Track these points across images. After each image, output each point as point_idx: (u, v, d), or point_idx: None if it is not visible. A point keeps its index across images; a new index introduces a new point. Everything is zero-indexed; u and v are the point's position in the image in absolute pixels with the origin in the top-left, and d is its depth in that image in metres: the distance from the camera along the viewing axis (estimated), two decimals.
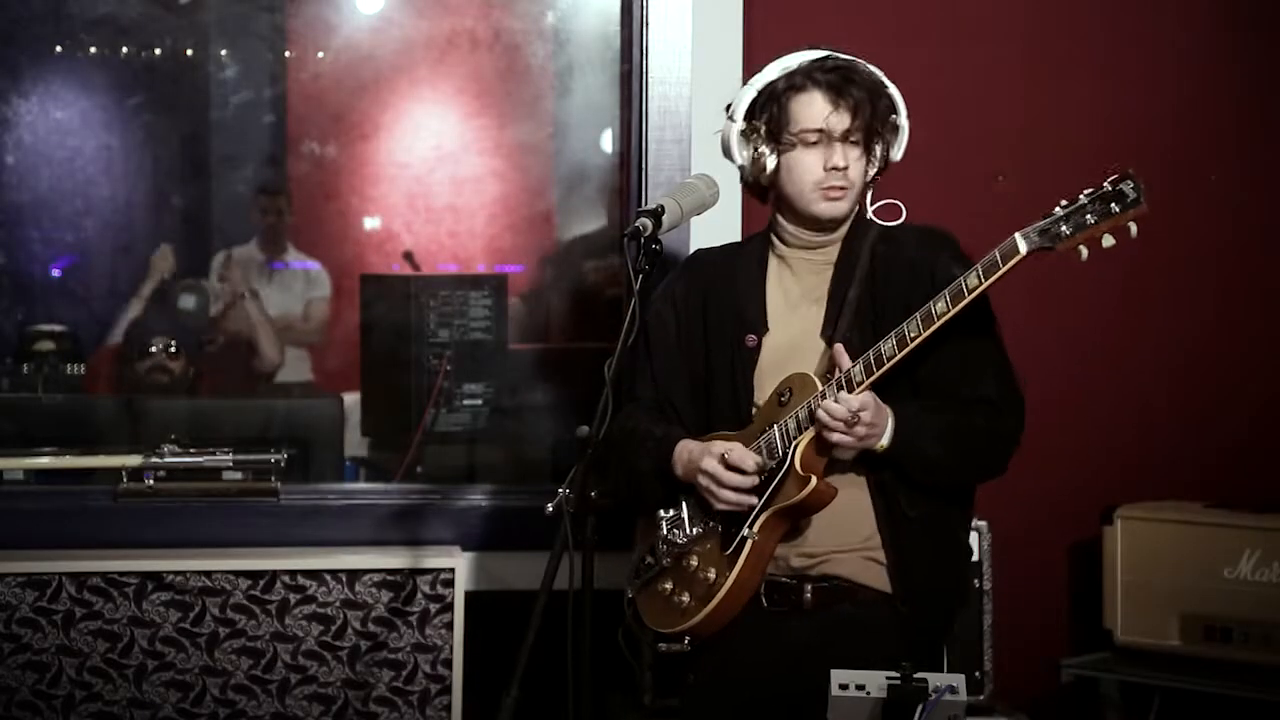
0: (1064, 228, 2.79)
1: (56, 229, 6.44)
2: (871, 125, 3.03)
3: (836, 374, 2.94)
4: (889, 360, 2.89)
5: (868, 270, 3.06)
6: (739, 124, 3.07)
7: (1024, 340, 3.23)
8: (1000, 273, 2.82)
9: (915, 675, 2.69)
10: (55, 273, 6.45)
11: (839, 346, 2.96)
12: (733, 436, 3.05)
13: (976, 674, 3.70)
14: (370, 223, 7.06)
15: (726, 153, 3.13)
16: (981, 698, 3.70)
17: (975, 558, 3.71)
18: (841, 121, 3.01)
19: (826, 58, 3.04)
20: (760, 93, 3.05)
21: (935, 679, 2.71)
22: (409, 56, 6.76)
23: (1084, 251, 2.80)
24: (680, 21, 3.98)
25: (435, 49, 6.74)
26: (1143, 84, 4.22)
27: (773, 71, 3.06)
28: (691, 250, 3.37)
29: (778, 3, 4.04)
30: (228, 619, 3.69)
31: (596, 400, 2.87)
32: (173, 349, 5.29)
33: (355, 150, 6.99)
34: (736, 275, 3.16)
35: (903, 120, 3.08)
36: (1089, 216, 2.78)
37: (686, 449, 3.06)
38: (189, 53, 6.65)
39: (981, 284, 2.83)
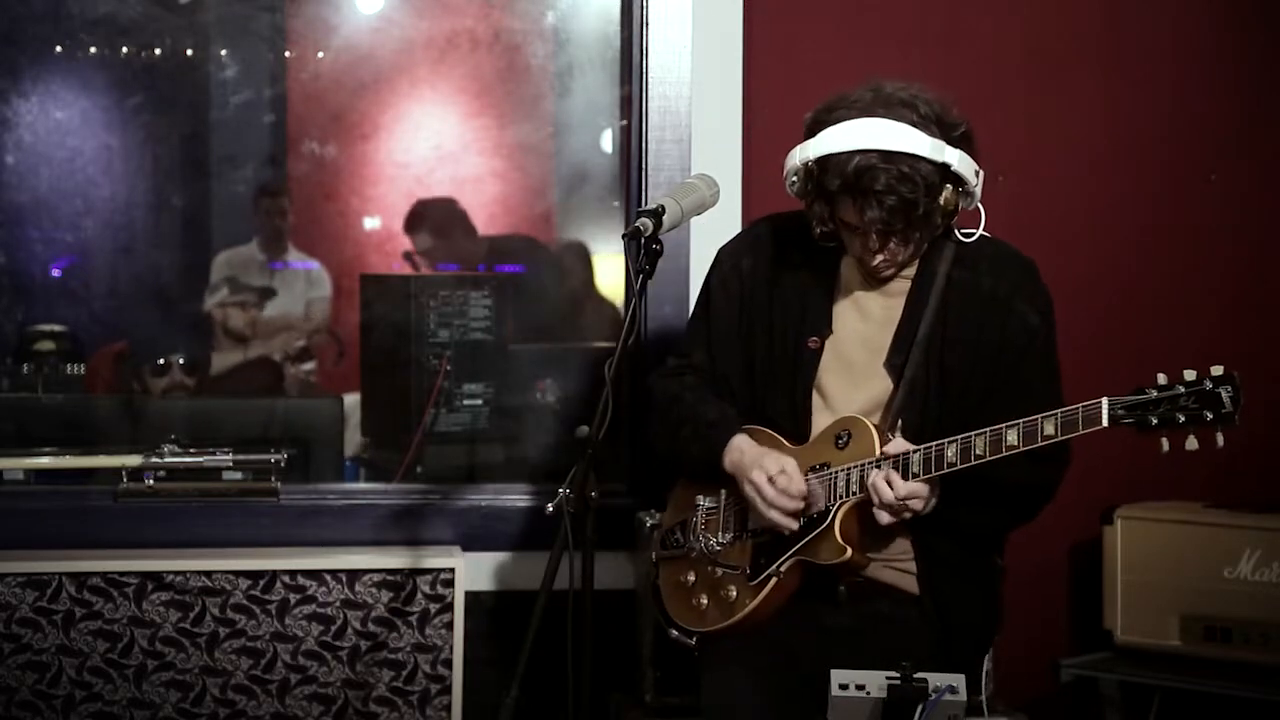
0: (1152, 416, 2.72)
1: (56, 229, 6.43)
2: (908, 226, 2.92)
3: (896, 440, 2.92)
4: (949, 468, 2.86)
5: (940, 301, 3.01)
6: (792, 183, 3.01)
7: None
8: (1078, 433, 2.77)
9: (915, 675, 2.70)
10: (55, 273, 6.45)
11: (899, 440, 2.92)
12: (786, 448, 3.04)
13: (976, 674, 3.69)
14: (370, 223, 7.06)
15: None
16: (982, 698, 3.70)
17: None
18: (873, 225, 2.92)
19: (855, 154, 2.87)
20: (802, 167, 2.96)
21: (935, 679, 2.71)
22: (409, 56, 6.76)
23: (1165, 444, 2.73)
24: (680, 21, 3.98)
25: (435, 49, 6.74)
26: (1143, 84, 4.22)
27: (814, 147, 2.93)
28: (693, 248, 3.33)
29: (778, 3, 4.04)
30: (228, 619, 3.69)
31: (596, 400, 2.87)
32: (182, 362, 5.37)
33: (355, 150, 6.99)
34: (809, 267, 3.10)
35: (974, 187, 2.97)
36: (1179, 415, 2.71)
37: (739, 448, 3.04)
38: (189, 53, 6.64)
39: (1057, 436, 2.78)
